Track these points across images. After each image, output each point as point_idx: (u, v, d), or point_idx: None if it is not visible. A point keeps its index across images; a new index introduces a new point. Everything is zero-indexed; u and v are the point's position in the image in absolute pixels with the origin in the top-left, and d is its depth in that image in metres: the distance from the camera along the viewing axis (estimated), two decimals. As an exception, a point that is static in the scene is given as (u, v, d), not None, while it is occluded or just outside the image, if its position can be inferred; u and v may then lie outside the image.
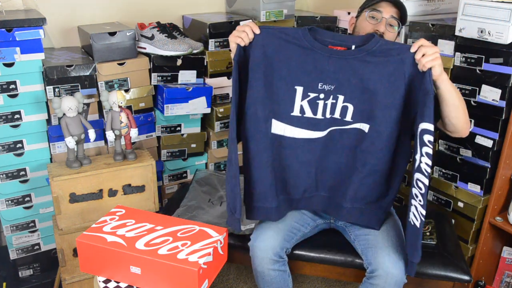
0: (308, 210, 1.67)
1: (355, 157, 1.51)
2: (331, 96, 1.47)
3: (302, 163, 1.54)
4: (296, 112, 1.49)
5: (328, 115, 1.49)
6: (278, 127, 1.51)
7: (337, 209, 1.58)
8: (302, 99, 1.48)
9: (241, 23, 2.12)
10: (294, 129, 1.51)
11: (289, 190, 1.58)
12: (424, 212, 1.37)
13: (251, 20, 1.43)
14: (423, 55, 1.35)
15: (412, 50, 1.37)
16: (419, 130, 1.36)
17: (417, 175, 1.38)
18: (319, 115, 1.49)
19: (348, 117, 1.49)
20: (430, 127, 1.34)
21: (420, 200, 1.37)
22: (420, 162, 1.36)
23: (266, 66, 1.47)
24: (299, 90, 1.47)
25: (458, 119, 1.45)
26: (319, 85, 1.47)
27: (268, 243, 1.52)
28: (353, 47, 1.44)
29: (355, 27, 1.67)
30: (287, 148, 1.53)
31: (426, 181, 1.35)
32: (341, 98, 1.47)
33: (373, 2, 1.60)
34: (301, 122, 1.50)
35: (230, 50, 1.51)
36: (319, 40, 1.46)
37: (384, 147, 1.47)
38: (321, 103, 1.48)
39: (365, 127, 1.48)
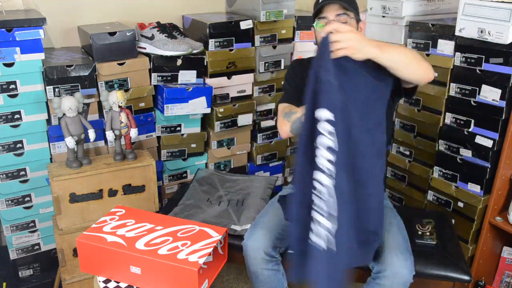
0: None
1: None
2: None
3: None
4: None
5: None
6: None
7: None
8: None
9: (241, 23, 2.13)
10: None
11: None
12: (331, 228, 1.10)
13: None
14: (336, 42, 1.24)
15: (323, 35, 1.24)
16: (313, 117, 1.16)
17: (315, 174, 1.15)
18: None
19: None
20: (328, 114, 1.13)
21: (321, 209, 1.13)
22: (316, 156, 1.16)
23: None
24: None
25: (406, 73, 1.36)
26: None
27: (260, 242, 1.53)
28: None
29: (316, 38, 1.61)
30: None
31: (329, 181, 1.13)
32: None
33: (316, 10, 1.56)
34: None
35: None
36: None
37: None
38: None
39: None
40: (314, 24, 1.57)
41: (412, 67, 1.36)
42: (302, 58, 1.85)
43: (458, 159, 1.92)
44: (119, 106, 1.81)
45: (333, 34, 1.25)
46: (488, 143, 1.79)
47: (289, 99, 1.67)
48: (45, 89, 1.81)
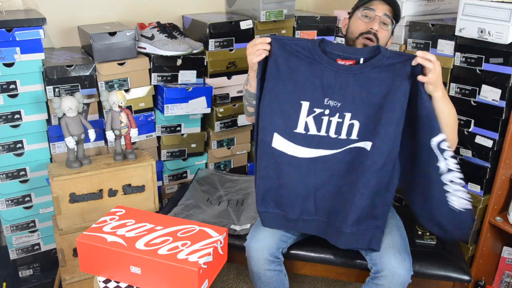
0: (307, 233, 1.61)
1: (357, 178, 1.45)
2: (337, 114, 1.45)
3: (301, 184, 1.51)
4: (300, 129, 1.48)
5: (333, 135, 1.47)
6: (280, 143, 1.49)
7: (337, 235, 1.51)
8: (308, 114, 1.47)
9: (241, 23, 2.13)
10: (296, 147, 1.49)
11: (285, 207, 1.54)
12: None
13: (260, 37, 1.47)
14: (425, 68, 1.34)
15: (413, 63, 1.36)
16: (433, 144, 1.35)
17: (450, 176, 1.36)
18: (322, 132, 1.47)
19: (354, 135, 1.46)
20: (443, 136, 1.35)
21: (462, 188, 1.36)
22: (448, 165, 1.35)
23: (276, 78, 1.47)
24: (305, 105, 1.47)
25: (448, 133, 1.43)
26: (325, 100, 1.46)
27: (264, 243, 1.52)
28: (362, 60, 1.43)
29: (349, 27, 1.65)
30: (286, 166, 1.51)
31: (461, 175, 1.35)
32: (348, 115, 1.45)
33: (366, 0, 1.59)
34: (305, 140, 1.49)
35: (248, 74, 1.54)
36: (328, 53, 1.45)
37: (384, 166, 1.42)
38: (325, 119, 1.47)
39: (368, 145, 1.44)
40: (359, 13, 1.58)
41: (449, 130, 1.42)
42: None
43: (458, 159, 1.92)
44: (119, 106, 1.81)
45: (430, 61, 1.32)
46: (488, 143, 1.79)
47: None
48: (45, 89, 1.81)
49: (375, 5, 1.58)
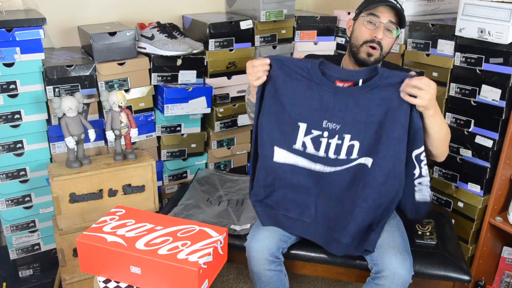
0: (305, 237, 1.62)
1: (356, 193, 1.47)
2: (336, 136, 1.47)
3: (302, 188, 1.53)
4: (298, 146, 1.50)
5: (332, 155, 1.48)
6: (281, 155, 1.51)
7: (335, 245, 1.53)
8: (305, 135, 1.49)
9: (241, 23, 2.13)
10: (297, 157, 1.50)
11: (285, 206, 1.56)
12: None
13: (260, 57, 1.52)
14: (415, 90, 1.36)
15: (401, 93, 1.39)
16: (413, 155, 1.43)
17: (421, 180, 1.47)
18: (321, 153, 1.49)
19: (354, 155, 1.47)
20: (422, 149, 1.43)
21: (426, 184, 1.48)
22: (421, 172, 1.46)
23: (274, 98, 1.49)
24: (302, 126, 1.48)
25: (436, 149, 1.49)
26: (324, 122, 1.47)
27: (264, 243, 1.52)
28: (360, 82, 1.44)
29: (353, 31, 1.64)
30: (288, 174, 1.53)
31: (428, 179, 1.47)
32: (347, 137, 1.46)
33: (371, 6, 1.57)
34: (304, 155, 1.50)
35: (249, 87, 1.58)
36: (327, 75, 1.46)
37: (385, 182, 1.43)
38: (324, 141, 1.48)
39: (368, 161, 1.45)
40: (363, 18, 1.58)
41: (440, 143, 1.49)
42: (314, 53, 1.85)
43: (458, 159, 1.92)
44: (119, 106, 1.81)
45: (422, 82, 1.34)
46: (488, 143, 1.79)
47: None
48: (45, 89, 1.81)
49: (380, 11, 1.56)
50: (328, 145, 1.48)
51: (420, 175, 1.46)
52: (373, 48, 1.57)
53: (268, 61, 1.48)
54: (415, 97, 1.35)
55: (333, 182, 1.50)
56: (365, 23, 1.58)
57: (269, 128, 1.51)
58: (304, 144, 1.49)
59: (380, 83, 1.41)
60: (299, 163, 1.51)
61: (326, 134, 1.47)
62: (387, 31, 1.57)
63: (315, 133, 1.48)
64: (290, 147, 1.50)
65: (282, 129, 1.50)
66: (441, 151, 1.52)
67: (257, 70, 1.48)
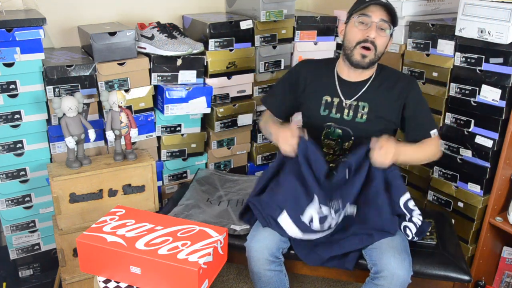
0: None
1: (346, 233, 1.58)
2: (340, 210, 1.53)
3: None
4: (305, 218, 1.51)
5: (333, 226, 1.56)
6: (286, 221, 1.52)
7: (337, 258, 1.60)
8: (315, 209, 1.51)
9: (241, 23, 2.13)
10: (298, 231, 1.52)
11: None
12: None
13: (295, 128, 1.57)
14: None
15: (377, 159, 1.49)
16: (402, 202, 1.55)
17: (407, 223, 1.60)
18: (325, 227, 1.53)
19: (350, 211, 1.59)
20: (408, 195, 1.56)
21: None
22: (412, 217, 1.57)
23: (297, 164, 1.54)
24: (315, 199, 1.51)
25: (421, 163, 1.71)
26: (328, 200, 1.52)
27: (264, 243, 1.53)
28: (347, 174, 1.54)
29: (345, 34, 1.63)
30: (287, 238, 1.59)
31: (414, 229, 1.59)
32: (348, 205, 1.54)
33: (361, 6, 1.56)
34: (307, 230, 1.52)
35: (272, 142, 1.65)
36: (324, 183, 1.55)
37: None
38: (329, 219, 1.52)
39: (354, 208, 1.58)
40: (355, 19, 1.59)
41: (422, 161, 1.67)
42: (308, 59, 1.86)
43: (458, 159, 1.92)
44: (119, 106, 1.81)
45: (378, 150, 1.47)
46: (488, 143, 1.79)
47: (275, 106, 1.81)
48: (45, 89, 1.81)
49: (371, 11, 1.55)
50: (331, 222, 1.54)
51: (410, 220, 1.58)
52: (367, 48, 1.57)
53: (298, 136, 1.53)
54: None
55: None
56: (357, 24, 1.57)
57: (287, 186, 1.56)
58: (311, 219, 1.51)
59: (353, 167, 1.53)
60: (299, 236, 1.55)
61: (333, 213, 1.53)
62: (380, 30, 1.56)
63: (324, 211, 1.52)
64: (298, 218, 1.53)
65: (299, 191, 1.54)
66: (426, 161, 1.68)
67: (291, 143, 1.53)
